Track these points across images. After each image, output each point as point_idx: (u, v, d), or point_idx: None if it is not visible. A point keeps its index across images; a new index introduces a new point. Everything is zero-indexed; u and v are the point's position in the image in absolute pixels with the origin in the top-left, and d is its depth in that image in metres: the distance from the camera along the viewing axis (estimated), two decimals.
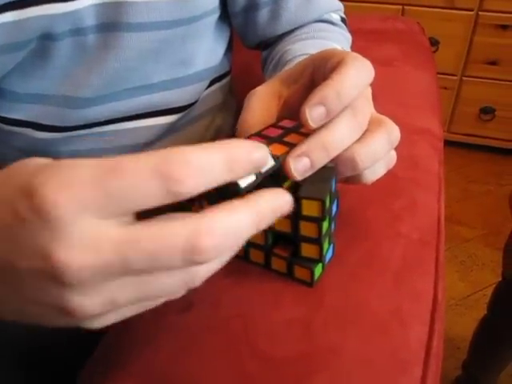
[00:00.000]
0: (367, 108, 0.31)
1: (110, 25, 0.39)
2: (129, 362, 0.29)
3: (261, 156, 0.22)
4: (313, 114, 0.28)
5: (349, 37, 0.53)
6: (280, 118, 0.33)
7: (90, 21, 0.38)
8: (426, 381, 0.28)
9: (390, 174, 0.44)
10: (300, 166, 0.28)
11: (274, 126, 0.31)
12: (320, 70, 0.32)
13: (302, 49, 0.45)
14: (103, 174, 0.19)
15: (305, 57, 0.37)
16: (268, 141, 0.29)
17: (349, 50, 0.51)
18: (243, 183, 0.23)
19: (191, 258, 0.20)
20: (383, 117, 0.32)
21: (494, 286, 0.92)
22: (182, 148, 0.20)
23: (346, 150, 0.29)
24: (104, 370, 0.29)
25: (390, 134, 0.31)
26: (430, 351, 0.29)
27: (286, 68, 0.40)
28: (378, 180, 0.43)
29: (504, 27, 1.63)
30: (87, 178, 0.18)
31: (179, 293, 0.22)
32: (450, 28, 1.67)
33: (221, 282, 0.32)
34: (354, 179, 0.33)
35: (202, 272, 0.22)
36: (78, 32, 0.39)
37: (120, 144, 0.47)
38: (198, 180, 0.20)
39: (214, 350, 0.29)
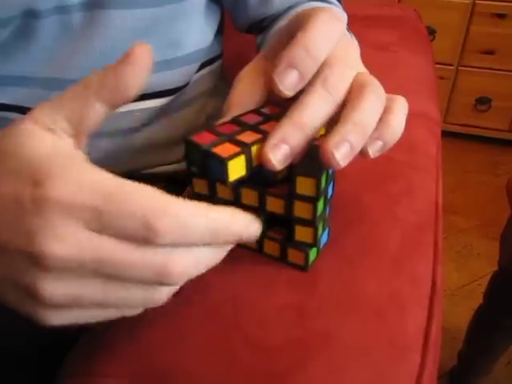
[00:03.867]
0: (344, 72, 0.27)
1: (96, 2, 0.38)
2: (116, 347, 0.28)
3: (249, 235, 0.24)
4: (285, 80, 0.25)
5: (345, 16, 0.51)
6: (266, 102, 0.31)
7: None
8: (425, 368, 0.27)
9: (386, 158, 0.42)
10: (279, 154, 0.25)
11: (254, 111, 0.30)
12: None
13: None
14: (103, 197, 0.21)
15: None
16: (242, 128, 0.28)
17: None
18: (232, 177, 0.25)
19: (161, 280, 0.22)
20: (365, 78, 0.28)
21: (490, 276, 0.91)
22: (174, 202, 0.22)
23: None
24: (90, 357, 0.28)
25: (376, 98, 0.27)
26: (429, 337, 0.28)
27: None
28: (373, 163, 0.42)
29: (501, 16, 1.62)
30: (88, 193, 0.21)
31: (139, 308, 0.24)
32: (446, 17, 1.66)
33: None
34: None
35: (165, 293, 0.24)
36: (62, 10, 0.37)
37: (110, 129, 0.45)
38: (176, 237, 0.22)
39: (204, 337, 0.28)
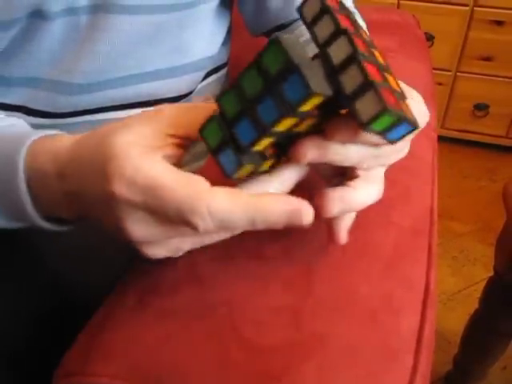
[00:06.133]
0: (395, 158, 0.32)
1: (103, 6, 0.38)
2: (111, 347, 0.28)
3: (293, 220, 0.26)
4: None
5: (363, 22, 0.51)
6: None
7: (83, 0, 0.37)
8: (417, 370, 0.27)
9: None
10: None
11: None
12: None
13: None
14: (152, 189, 0.26)
15: None
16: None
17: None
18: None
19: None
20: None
21: (486, 281, 0.92)
22: (214, 194, 0.25)
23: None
24: (86, 356, 0.28)
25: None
26: (422, 340, 0.28)
27: None
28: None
29: (499, 23, 1.63)
30: (143, 186, 0.26)
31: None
32: (444, 23, 1.67)
33: (207, 268, 0.31)
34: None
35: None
36: (70, 12, 0.37)
37: None
38: (212, 229, 0.25)
39: (198, 338, 0.28)
